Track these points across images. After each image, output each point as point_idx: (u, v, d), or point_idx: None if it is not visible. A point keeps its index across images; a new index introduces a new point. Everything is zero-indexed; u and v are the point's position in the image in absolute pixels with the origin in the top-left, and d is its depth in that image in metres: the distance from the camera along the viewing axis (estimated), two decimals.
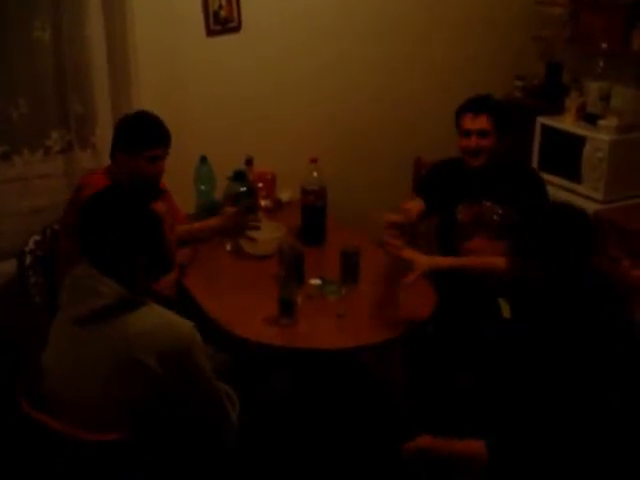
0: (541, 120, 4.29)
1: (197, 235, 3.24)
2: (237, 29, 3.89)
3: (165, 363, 2.12)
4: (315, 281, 3.03)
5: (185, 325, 2.20)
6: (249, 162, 3.76)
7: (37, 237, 3.25)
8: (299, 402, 3.15)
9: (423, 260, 2.90)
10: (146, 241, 2.23)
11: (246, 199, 3.43)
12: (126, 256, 2.19)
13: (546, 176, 4.18)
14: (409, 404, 3.18)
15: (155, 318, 2.18)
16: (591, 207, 3.84)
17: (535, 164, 4.32)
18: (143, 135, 2.99)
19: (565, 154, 4.11)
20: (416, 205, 3.37)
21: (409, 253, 2.92)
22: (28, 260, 3.19)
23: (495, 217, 3.23)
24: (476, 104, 3.27)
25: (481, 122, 3.22)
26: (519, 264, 2.42)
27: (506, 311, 3.12)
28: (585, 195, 3.98)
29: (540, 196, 3.28)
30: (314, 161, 3.45)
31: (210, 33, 3.83)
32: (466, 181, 3.33)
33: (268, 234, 3.37)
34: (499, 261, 2.79)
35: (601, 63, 4.04)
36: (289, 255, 3.01)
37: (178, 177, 3.32)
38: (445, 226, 3.45)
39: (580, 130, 4.05)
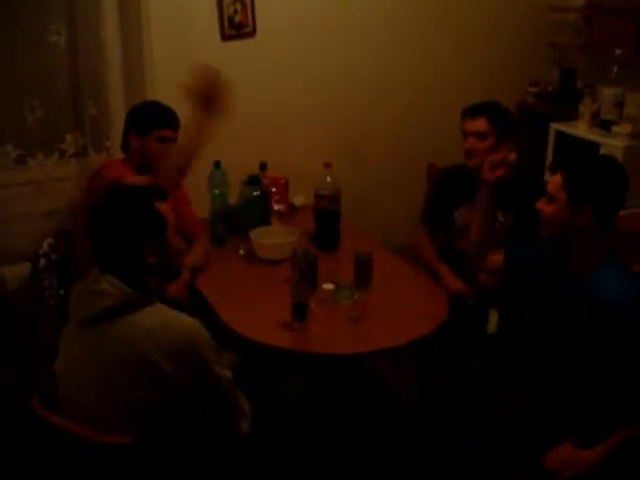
0: (555, 126, 4.28)
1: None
2: (252, 34, 3.91)
3: (172, 360, 2.12)
4: (328, 286, 3.02)
5: (190, 321, 2.20)
6: (263, 167, 3.76)
7: (51, 240, 3.27)
8: (310, 407, 3.16)
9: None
10: (150, 241, 2.24)
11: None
12: (131, 256, 2.21)
13: None
14: (419, 410, 3.20)
15: (160, 316, 2.18)
16: None
17: (549, 170, 4.31)
18: (155, 115, 3.19)
19: None
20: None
21: None
22: (42, 263, 3.21)
23: (496, 223, 3.24)
24: (474, 107, 3.32)
25: (478, 124, 3.27)
26: (571, 207, 2.42)
27: (492, 325, 3.11)
28: None
29: None
30: (328, 166, 3.45)
31: (225, 38, 3.85)
32: (470, 186, 3.33)
33: (281, 239, 3.37)
34: None
35: (615, 69, 4.03)
36: (302, 259, 3.01)
37: (192, 182, 3.31)
38: (445, 229, 3.48)
39: (594, 136, 4.04)
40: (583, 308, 2.44)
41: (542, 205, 2.50)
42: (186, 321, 2.20)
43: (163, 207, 2.31)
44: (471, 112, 3.31)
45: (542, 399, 2.60)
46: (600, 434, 2.40)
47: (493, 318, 3.08)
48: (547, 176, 4.27)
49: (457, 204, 3.40)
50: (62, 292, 3.19)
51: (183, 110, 3.59)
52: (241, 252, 3.43)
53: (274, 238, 3.39)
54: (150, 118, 3.17)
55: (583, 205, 2.40)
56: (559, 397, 2.55)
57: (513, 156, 3.04)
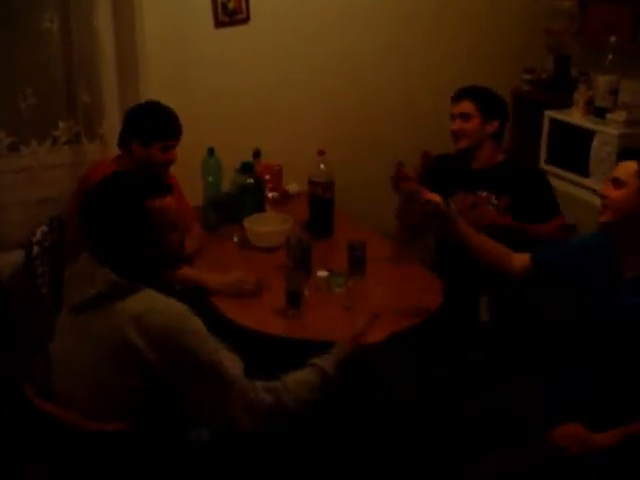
0: (549, 114, 4.27)
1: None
2: (245, 21, 3.89)
3: (153, 345, 2.09)
4: (322, 273, 3.02)
5: (176, 307, 2.17)
6: (257, 154, 3.76)
7: (44, 228, 3.26)
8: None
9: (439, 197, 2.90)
10: (138, 232, 2.21)
11: None
12: (120, 245, 2.19)
13: (554, 170, 4.19)
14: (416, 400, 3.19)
15: (146, 302, 2.15)
16: (599, 201, 3.81)
17: (543, 158, 4.31)
18: (162, 125, 3.09)
19: (573, 148, 4.09)
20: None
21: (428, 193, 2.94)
22: (35, 250, 3.21)
23: (490, 206, 3.31)
24: (459, 91, 3.45)
25: (462, 106, 3.40)
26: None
27: (484, 312, 3.11)
28: (593, 189, 3.95)
29: (541, 190, 3.35)
30: (322, 153, 3.44)
31: (218, 24, 3.83)
32: (465, 173, 3.43)
33: (275, 226, 3.37)
34: (508, 257, 2.82)
35: (610, 57, 4.01)
36: (296, 247, 3.01)
37: (185, 169, 3.31)
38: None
39: (588, 124, 4.03)
40: (619, 298, 2.44)
41: (608, 190, 2.50)
42: (172, 307, 2.17)
43: (166, 201, 2.28)
44: (456, 96, 3.44)
45: (557, 388, 2.58)
46: (618, 423, 2.36)
47: (484, 304, 3.07)
48: (542, 163, 4.28)
49: (449, 193, 3.36)
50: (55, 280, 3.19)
51: (178, 96, 3.63)
52: (235, 240, 3.43)
53: (268, 225, 3.39)
54: (155, 129, 3.08)
55: None
56: (577, 386, 2.52)
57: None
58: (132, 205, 2.20)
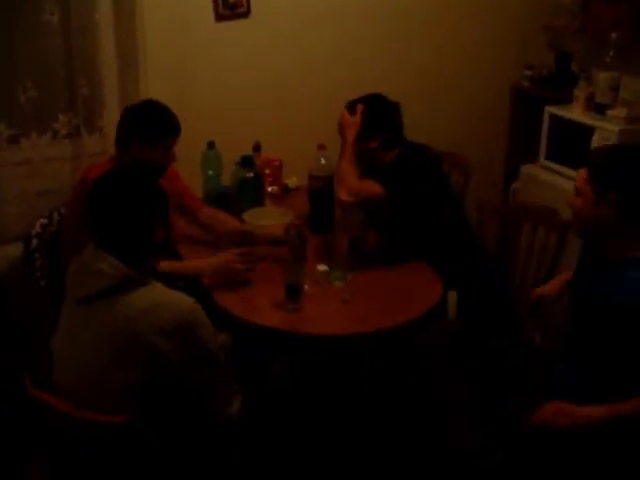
0: (549, 110, 4.27)
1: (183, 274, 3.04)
2: (246, 14, 3.89)
3: (167, 339, 2.13)
4: (322, 267, 3.02)
5: (187, 301, 2.21)
6: (257, 148, 3.75)
7: (43, 220, 3.26)
8: (302, 390, 3.16)
9: None
10: (151, 219, 2.25)
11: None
12: (134, 235, 2.21)
13: (553, 165, 4.20)
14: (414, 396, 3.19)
15: (156, 296, 2.19)
16: None
17: (543, 153, 4.31)
18: (162, 125, 3.03)
19: (573, 144, 4.09)
20: None
21: None
22: (34, 243, 3.20)
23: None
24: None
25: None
26: (595, 199, 2.41)
27: (452, 309, 3.00)
28: None
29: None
30: (322, 147, 3.44)
31: (219, 18, 3.83)
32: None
33: (275, 220, 3.36)
34: None
35: (611, 53, 4.01)
36: (296, 240, 3.00)
37: (185, 162, 3.31)
38: None
39: (589, 120, 4.03)
40: (613, 292, 2.43)
41: (573, 199, 2.50)
42: (182, 300, 2.21)
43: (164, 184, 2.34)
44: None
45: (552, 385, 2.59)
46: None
47: (452, 300, 2.98)
48: (542, 159, 4.29)
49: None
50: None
51: (178, 90, 3.63)
52: None
53: (268, 219, 3.38)
54: (156, 130, 3.01)
55: (607, 197, 2.39)
56: (570, 382, 2.54)
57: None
58: (143, 185, 2.25)
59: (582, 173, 2.46)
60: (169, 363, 2.15)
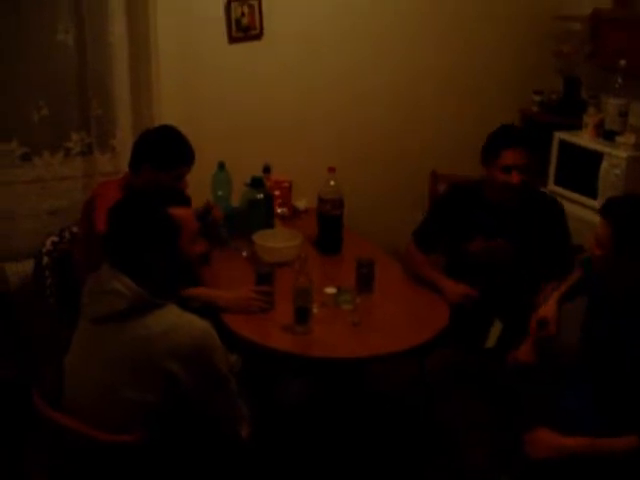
0: (559, 135, 4.28)
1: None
2: (259, 37, 3.92)
3: (181, 363, 2.14)
4: (330, 290, 3.03)
5: (201, 324, 2.23)
6: (267, 170, 3.77)
7: (54, 238, 3.27)
8: (312, 410, 3.16)
9: None
10: (161, 244, 2.26)
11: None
12: (142, 258, 2.22)
13: (562, 191, 4.20)
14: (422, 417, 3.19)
15: (172, 319, 2.20)
16: None
17: (552, 179, 4.32)
18: (177, 154, 3.04)
19: (582, 170, 4.10)
20: None
21: None
22: (45, 261, 3.22)
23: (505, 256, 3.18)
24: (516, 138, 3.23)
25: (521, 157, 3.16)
26: (617, 252, 2.45)
27: (493, 339, 3.01)
28: None
29: (561, 227, 3.29)
30: (332, 170, 3.46)
31: (232, 40, 3.86)
32: (485, 214, 3.24)
33: (285, 242, 3.38)
34: None
35: (620, 80, 4.03)
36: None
37: (196, 183, 3.32)
38: (454, 257, 3.36)
39: (598, 146, 4.04)
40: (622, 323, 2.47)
41: (593, 248, 2.53)
42: (197, 324, 2.22)
43: (183, 213, 2.35)
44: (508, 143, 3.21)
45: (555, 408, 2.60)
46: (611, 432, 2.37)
47: (495, 331, 2.98)
48: (551, 184, 4.29)
49: (466, 237, 3.25)
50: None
51: (190, 110, 3.65)
52: (244, 254, 3.43)
53: (277, 241, 3.39)
54: (171, 158, 3.01)
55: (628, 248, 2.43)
56: (572, 406, 2.54)
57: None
58: (156, 213, 2.26)
59: (606, 229, 2.48)
60: (182, 385, 2.16)
